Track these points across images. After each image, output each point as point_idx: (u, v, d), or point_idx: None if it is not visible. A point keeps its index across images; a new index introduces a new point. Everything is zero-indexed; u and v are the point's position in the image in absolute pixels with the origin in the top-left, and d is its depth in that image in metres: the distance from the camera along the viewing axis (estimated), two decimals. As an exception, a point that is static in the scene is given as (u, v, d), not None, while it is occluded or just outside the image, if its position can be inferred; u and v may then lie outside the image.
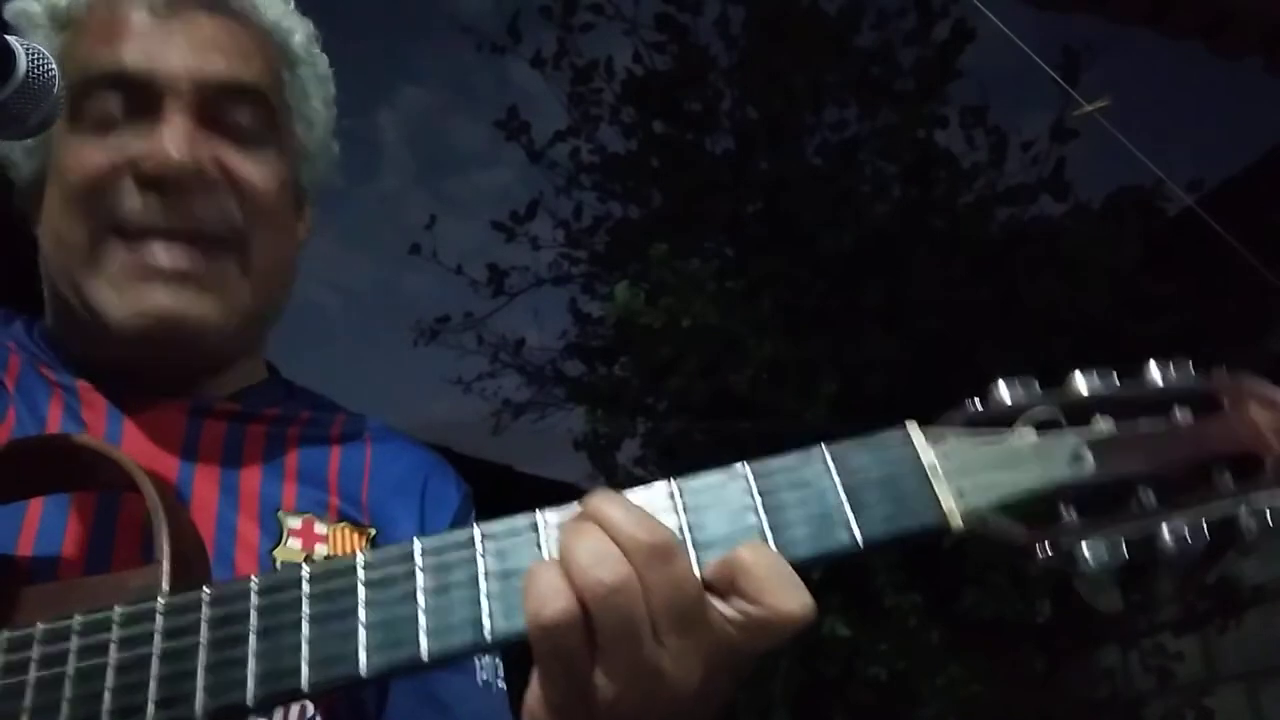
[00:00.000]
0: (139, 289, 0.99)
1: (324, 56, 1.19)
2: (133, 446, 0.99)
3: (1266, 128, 4.98)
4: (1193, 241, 3.12)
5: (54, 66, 0.80)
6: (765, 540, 0.73)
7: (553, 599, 0.68)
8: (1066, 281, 4.93)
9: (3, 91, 0.77)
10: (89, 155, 1.00)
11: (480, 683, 1.05)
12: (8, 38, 0.77)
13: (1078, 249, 5.04)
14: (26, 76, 0.77)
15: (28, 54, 0.78)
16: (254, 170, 1.05)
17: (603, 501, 0.72)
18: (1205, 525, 0.73)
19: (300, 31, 1.15)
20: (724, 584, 0.71)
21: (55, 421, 1.00)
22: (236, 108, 1.05)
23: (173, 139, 1.00)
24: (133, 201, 1.00)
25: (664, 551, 0.69)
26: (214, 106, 1.04)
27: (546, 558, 0.73)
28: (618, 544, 0.69)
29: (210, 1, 1.07)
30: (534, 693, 0.72)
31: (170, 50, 1.03)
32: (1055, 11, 4.11)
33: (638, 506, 0.72)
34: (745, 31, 6.21)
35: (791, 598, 0.70)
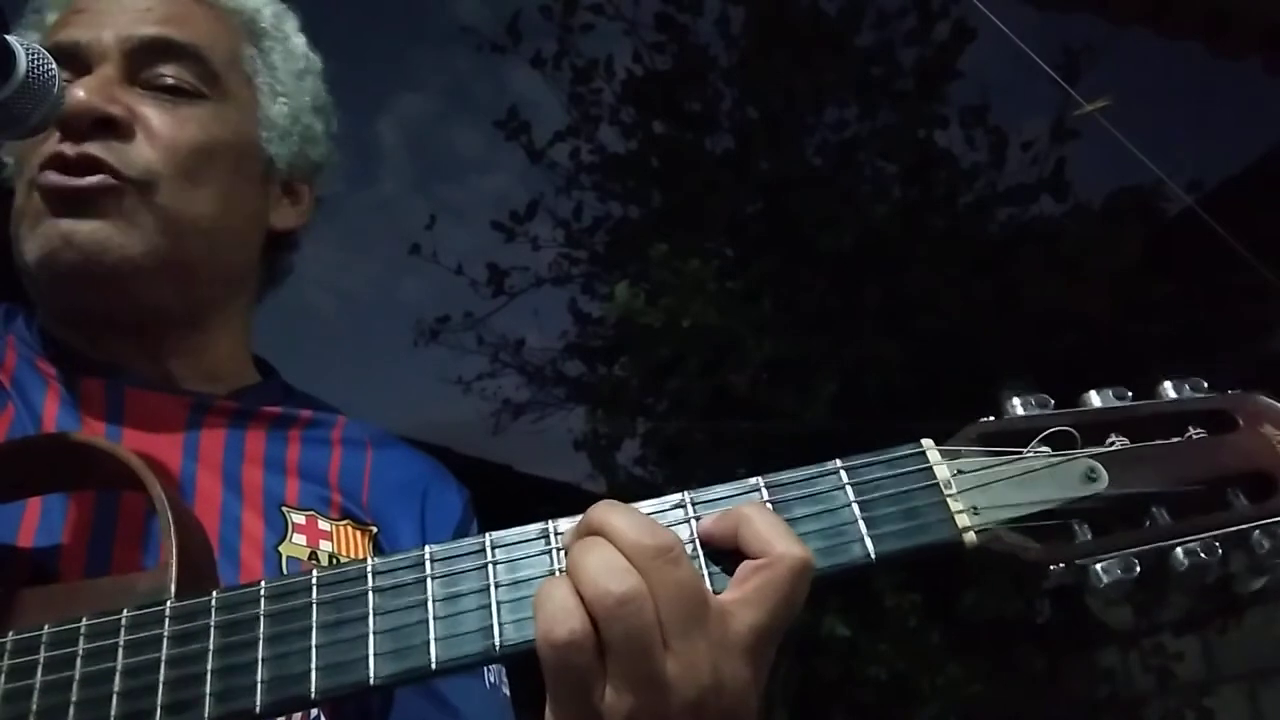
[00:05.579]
0: (48, 221, 1.00)
1: (299, 35, 1.21)
2: (133, 441, 0.98)
3: (1266, 128, 4.99)
4: (1193, 241, 3.12)
5: (54, 66, 0.80)
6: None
7: (564, 618, 0.67)
8: (1066, 281, 4.92)
9: (3, 91, 0.77)
10: None
11: (488, 685, 1.05)
12: (8, 38, 0.77)
13: (1078, 249, 5.03)
14: (26, 76, 0.77)
15: (28, 54, 0.78)
16: (173, 120, 1.05)
17: (605, 511, 0.72)
18: (1218, 545, 0.73)
19: (268, 10, 1.17)
20: (725, 536, 0.73)
21: (51, 416, 1.00)
22: (166, 65, 1.07)
23: (85, 85, 1.02)
24: (50, 148, 1.01)
25: (670, 554, 0.69)
26: (140, 65, 1.06)
27: (557, 568, 0.73)
28: (623, 552, 0.69)
29: None
30: None
31: (105, 19, 1.07)
32: (1055, 11, 4.11)
33: (639, 512, 0.72)
34: (745, 31, 6.20)
35: (795, 543, 0.71)
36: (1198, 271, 4.17)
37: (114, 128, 1.02)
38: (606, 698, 0.68)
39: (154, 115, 1.05)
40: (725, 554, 0.73)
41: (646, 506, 0.75)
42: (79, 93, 1.00)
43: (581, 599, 0.68)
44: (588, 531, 0.72)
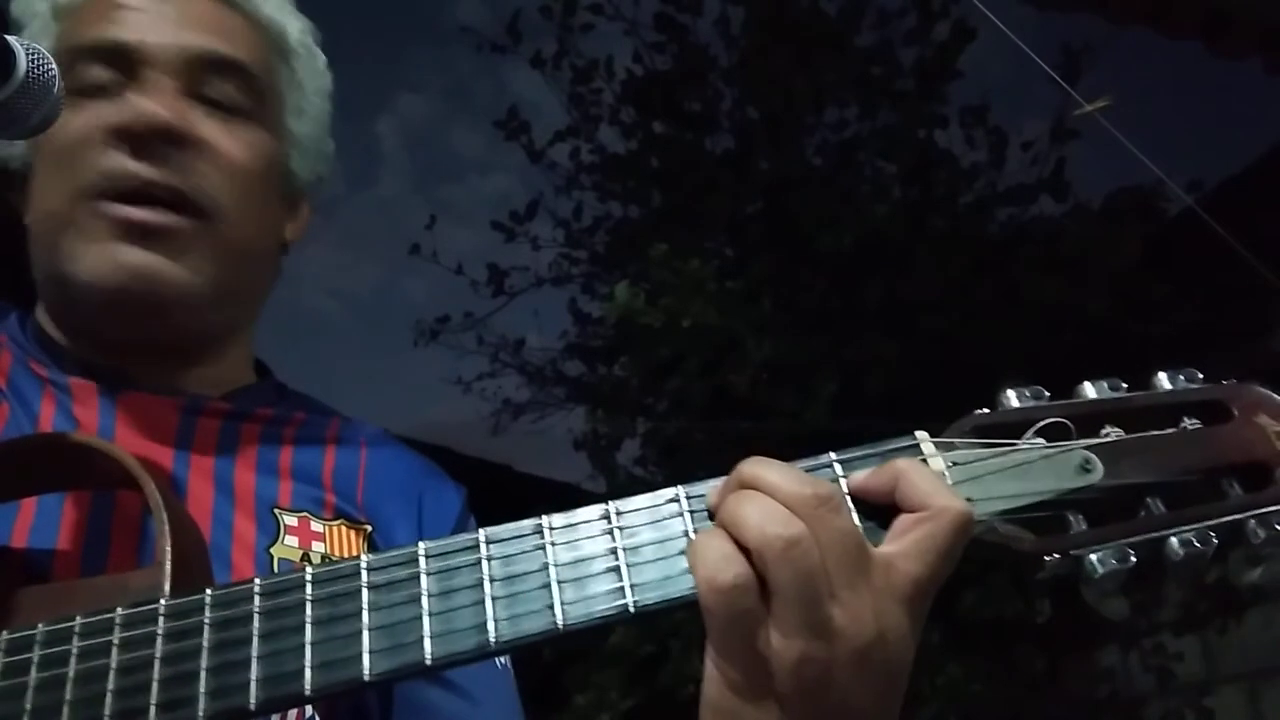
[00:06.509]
0: (112, 246, 0.98)
1: (321, 53, 1.20)
2: (125, 443, 0.97)
3: (1266, 128, 5.00)
4: (1193, 241, 3.12)
5: (54, 66, 0.80)
6: None
7: (727, 564, 0.67)
8: (1066, 281, 4.92)
9: (3, 91, 0.76)
10: (70, 120, 0.99)
11: (500, 665, 1.05)
12: (8, 38, 0.76)
13: (1078, 249, 5.04)
14: (27, 76, 0.77)
15: (28, 54, 0.78)
16: (234, 143, 1.05)
17: (757, 465, 0.72)
18: (1213, 535, 0.73)
19: (296, 26, 1.16)
20: (880, 491, 0.73)
21: (48, 419, 1.00)
22: (221, 81, 1.06)
23: (152, 97, 1.01)
24: (109, 160, 1.00)
25: (831, 503, 0.69)
26: (197, 79, 1.05)
27: (551, 563, 0.73)
28: (783, 502, 0.69)
29: None
30: (712, 681, 0.70)
31: (157, 23, 1.05)
32: (1055, 11, 4.11)
33: (791, 466, 0.73)
34: (745, 31, 6.21)
35: (956, 497, 0.71)
36: (1198, 271, 4.17)
37: (179, 143, 1.01)
38: (774, 643, 0.67)
39: (213, 135, 1.04)
40: (875, 509, 0.73)
41: (641, 500, 0.75)
42: (148, 104, 1.00)
43: (741, 548, 0.68)
44: (739, 485, 0.71)
